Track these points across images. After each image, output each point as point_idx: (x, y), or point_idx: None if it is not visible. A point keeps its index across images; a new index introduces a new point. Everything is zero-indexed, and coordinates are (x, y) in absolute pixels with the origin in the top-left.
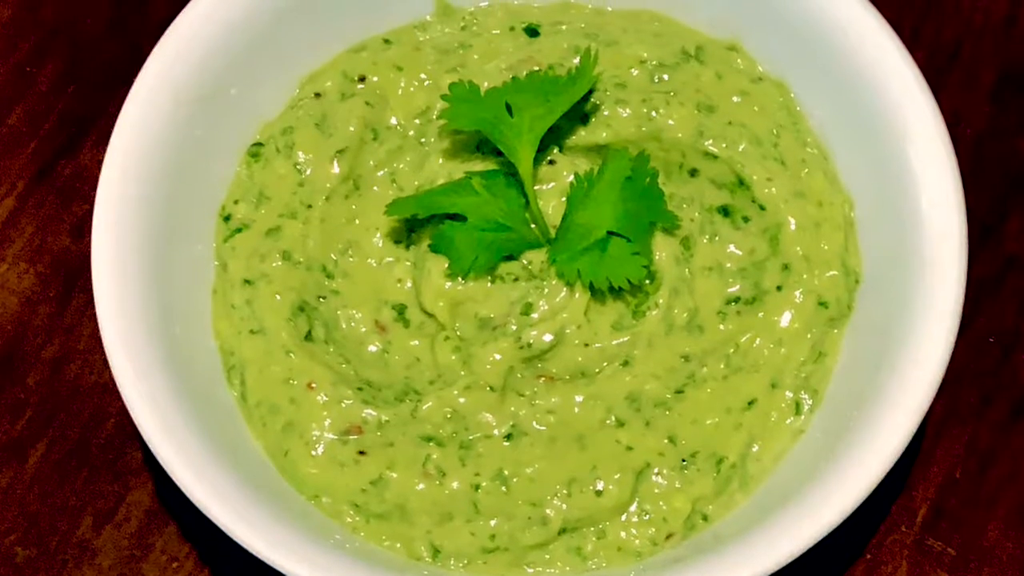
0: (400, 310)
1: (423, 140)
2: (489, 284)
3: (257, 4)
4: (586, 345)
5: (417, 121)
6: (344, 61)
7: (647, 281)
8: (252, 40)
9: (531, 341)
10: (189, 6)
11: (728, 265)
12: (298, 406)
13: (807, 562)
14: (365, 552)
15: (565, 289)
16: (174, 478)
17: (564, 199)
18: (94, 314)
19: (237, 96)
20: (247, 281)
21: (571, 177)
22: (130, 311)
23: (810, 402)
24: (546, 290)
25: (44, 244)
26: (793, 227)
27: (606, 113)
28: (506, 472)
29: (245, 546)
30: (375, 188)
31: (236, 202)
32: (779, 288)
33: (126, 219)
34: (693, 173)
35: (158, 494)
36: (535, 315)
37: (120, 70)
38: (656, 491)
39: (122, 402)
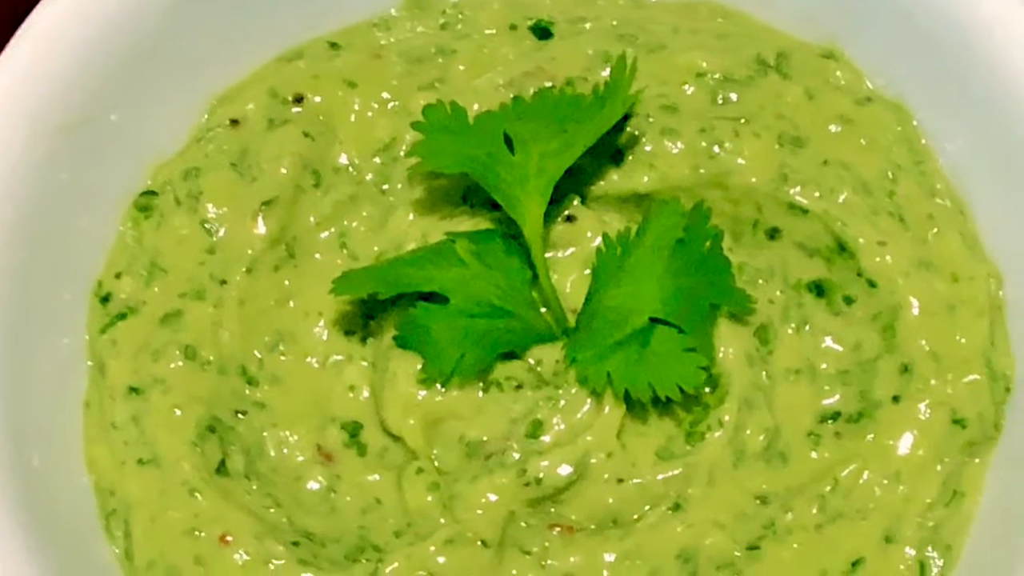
0: (353, 431)
1: (386, 187)
2: (481, 393)
3: None
4: (620, 481)
5: (377, 160)
6: (271, 74)
7: (707, 389)
8: (141, 44)
9: (540, 475)
10: None
11: (823, 366)
12: (207, 569)
13: None
14: None
15: (589, 400)
16: None
17: (588, 271)
18: None
19: (119, 124)
20: (134, 389)
21: (598, 240)
22: None
23: (941, 562)
24: (562, 402)
25: None
26: (916, 311)
27: (648, 148)
28: None
29: None
30: (317, 256)
31: (118, 276)
32: (896, 399)
33: None
34: (773, 235)
35: None
36: (546, 438)
37: None
38: None
39: None
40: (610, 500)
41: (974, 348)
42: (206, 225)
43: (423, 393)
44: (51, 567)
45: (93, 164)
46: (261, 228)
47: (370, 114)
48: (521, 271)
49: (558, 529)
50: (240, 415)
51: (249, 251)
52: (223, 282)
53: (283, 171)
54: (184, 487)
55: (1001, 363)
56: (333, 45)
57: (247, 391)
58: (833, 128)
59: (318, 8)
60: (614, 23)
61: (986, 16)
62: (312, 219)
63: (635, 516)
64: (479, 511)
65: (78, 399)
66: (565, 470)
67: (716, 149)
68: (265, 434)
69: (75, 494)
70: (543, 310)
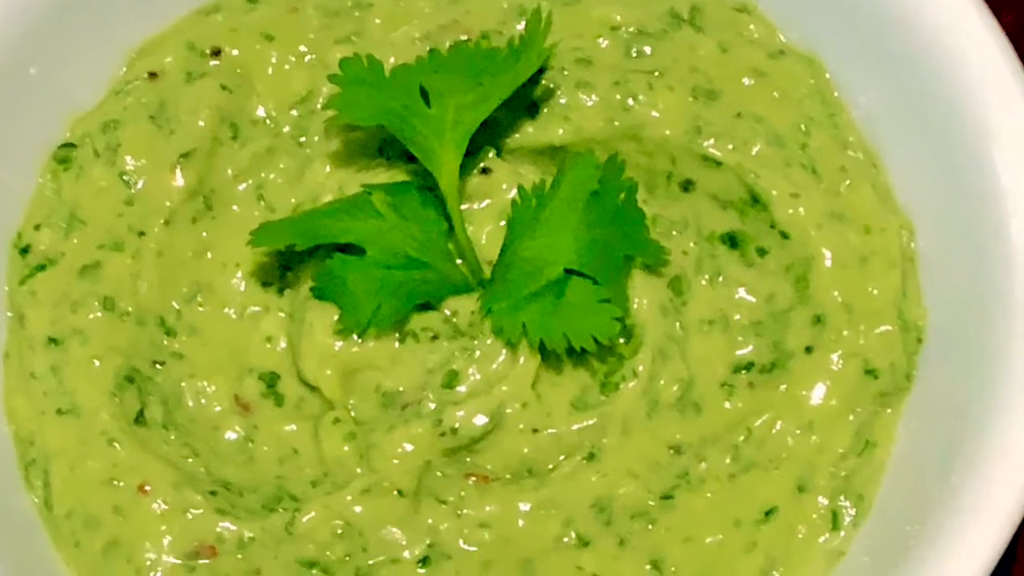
0: (270, 381)
1: (303, 139)
2: (397, 344)
3: None
4: (535, 431)
5: (294, 112)
6: (190, 27)
7: (621, 340)
8: None
9: (456, 425)
10: None
11: (737, 317)
12: (125, 517)
13: None
14: None
15: (505, 351)
16: None
17: (504, 223)
18: None
19: (38, 77)
20: (53, 340)
21: (513, 192)
22: None
23: (853, 511)
24: (478, 353)
25: None
26: (829, 263)
27: (563, 101)
28: None
29: None
30: (235, 207)
31: (37, 227)
32: (808, 350)
33: None
34: (687, 187)
35: None
36: (462, 388)
37: None
38: None
39: None
40: (525, 450)
41: (886, 299)
42: (124, 177)
43: (339, 344)
44: None
45: (12, 117)
46: (179, 180)
47: (287, 67)
48: (437, 223)
49: (474, 479)
50: (158, 366)
51: (167, 203)
52: (141, 234)
53: (201, 124)
54: (103, 437)
55: (913, 314)
56: None
57: (165, 342)
58: (746, 81)
59: None
60: None
61: None
62: (230, 171)
63: (550, 466)
64: (395, 461)
65: None
66: (481, 420)
67: (630, 102)
68: (183, 384)
69: None
70: (459, 262)
